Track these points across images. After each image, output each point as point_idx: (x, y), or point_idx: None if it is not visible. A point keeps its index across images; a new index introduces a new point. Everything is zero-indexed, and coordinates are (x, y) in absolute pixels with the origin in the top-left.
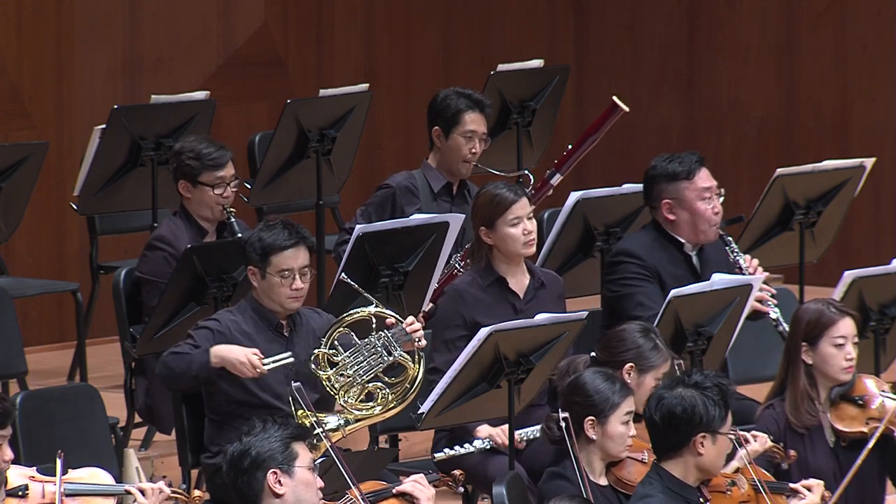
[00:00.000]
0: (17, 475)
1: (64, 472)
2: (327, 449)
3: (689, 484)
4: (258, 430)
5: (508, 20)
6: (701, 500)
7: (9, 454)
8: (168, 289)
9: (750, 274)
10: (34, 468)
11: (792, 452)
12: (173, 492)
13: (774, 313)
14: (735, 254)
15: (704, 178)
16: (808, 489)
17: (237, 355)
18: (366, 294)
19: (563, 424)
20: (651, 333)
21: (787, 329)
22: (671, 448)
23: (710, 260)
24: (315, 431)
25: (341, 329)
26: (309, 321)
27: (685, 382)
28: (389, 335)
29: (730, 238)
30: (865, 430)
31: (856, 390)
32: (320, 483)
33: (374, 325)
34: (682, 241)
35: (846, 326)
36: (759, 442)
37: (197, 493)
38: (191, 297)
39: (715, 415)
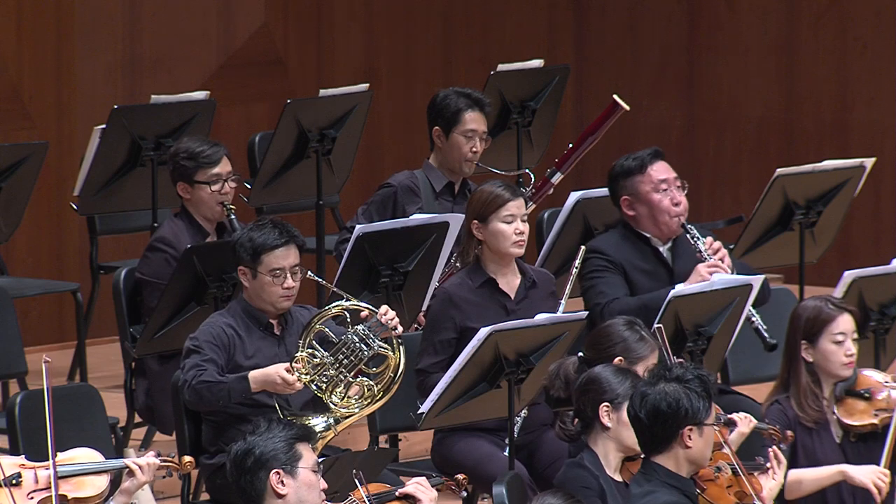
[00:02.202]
0: (7, 464)
1: (49, 382)
2: (357, 482)
3: (683, 476)
4: (262, 430)
5: (508, 20)
6: (697, 491)
7: None
8: (168, 289)
9: (710, 255)
10: (22, 455)
11: (789, 433)
12: (163, 461)
13: (754, 316)
14: (695, 239)
15: (659, 171)
16: (778, 461)
17: (273, 378)
18: (336, 290)
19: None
20: (635, 325)
21: (763, 330)
22: (659, 443)
23: (683, 252)
24: (318, 431)
25: (317, 328)
26: (299, 318)
27: (666, 377)
28: (366, 328)
29: (691, 227)
30: (876, 421)
31: (860, 384)
32: (324, 485)
33: (349, 320)
34: (648, 235)
35: (845, 322)
36: (744, 423)
37: (187, 458)
38: (191, 297)
39: (700, 406)
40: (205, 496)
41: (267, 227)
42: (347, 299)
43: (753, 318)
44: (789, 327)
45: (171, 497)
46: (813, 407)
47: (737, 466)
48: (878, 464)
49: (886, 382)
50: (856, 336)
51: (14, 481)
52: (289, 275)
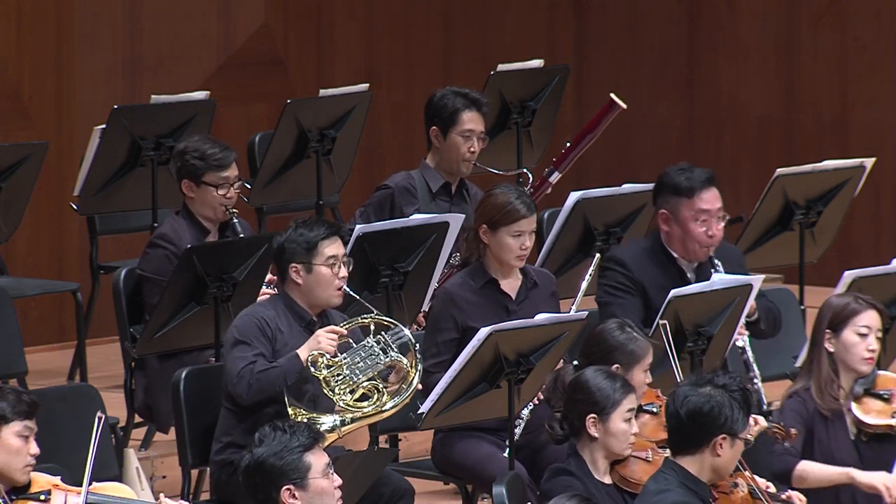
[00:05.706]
0: (42, 482)
1: (100, 436)
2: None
3: (702, 481)
4: (270, 440)
5: (508, 20)
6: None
7: (34, 448)
8: (168, 289)
9: None
10: (58, 477)
11: (793, 430)
12: None
13: (742, 341)
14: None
15: (706, 200)
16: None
17: (321, 344)
18: (366, 304)
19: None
20: (626, 327)
21: (750, 358)
22: (690, 445)
23: (710, 276)
24: (322, 429)
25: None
26: (335, 320)
27: (714, 382)
28: (387, 337)
29: (718, 262)
30: (893, 423)
31: (879, 385)
32: (338, 481)
33: (371, 329)
34: (675, 256)
35: (871, 317)
36: (752, 426)
37: None
38: (191, 297)
39: (738, 418)
40: (205, 496)
41: (312, 221)
42: (377, 314)
43: (755, 381)
44: (817, 317)
45: (171, 497)
46: (832, 395)
47: (756, 490)
48: (890, 467)
49: None
50: (880, 335)
51: (42, 497)
52: (341, 264)
